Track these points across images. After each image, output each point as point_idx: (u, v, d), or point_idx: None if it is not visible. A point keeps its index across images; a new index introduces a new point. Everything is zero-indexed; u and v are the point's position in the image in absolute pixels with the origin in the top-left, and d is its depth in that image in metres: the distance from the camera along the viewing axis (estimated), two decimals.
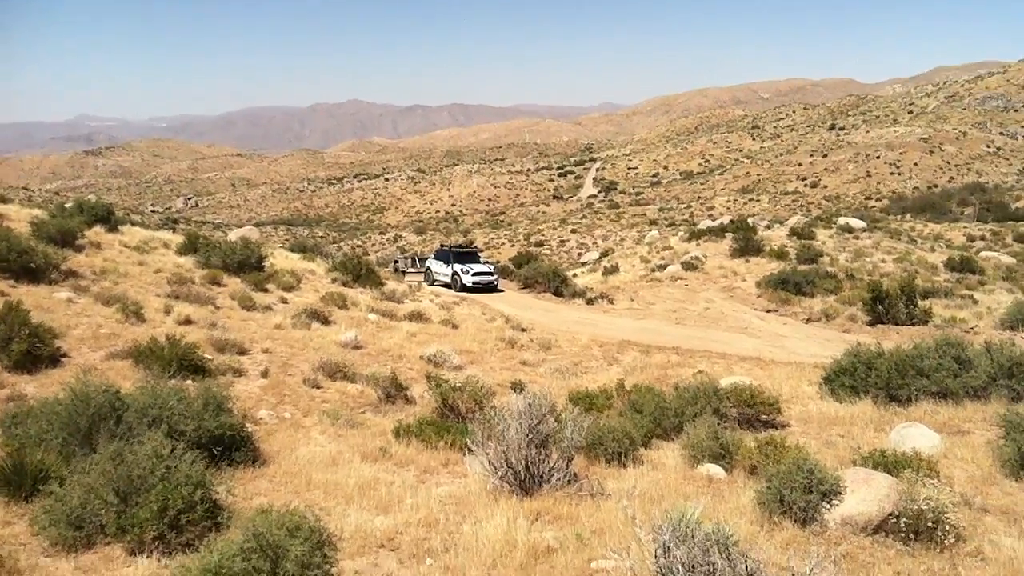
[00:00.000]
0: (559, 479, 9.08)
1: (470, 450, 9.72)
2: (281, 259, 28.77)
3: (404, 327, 21.72)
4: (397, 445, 11.39)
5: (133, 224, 32.36)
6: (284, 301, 21.99)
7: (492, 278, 35.01)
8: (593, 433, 10.62)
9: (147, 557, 6.91)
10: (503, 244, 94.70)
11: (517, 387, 15.79)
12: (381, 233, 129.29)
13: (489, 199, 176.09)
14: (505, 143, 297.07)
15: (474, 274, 34.36)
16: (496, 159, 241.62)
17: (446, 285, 35.01)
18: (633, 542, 6.29)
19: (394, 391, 14.91)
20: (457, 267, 34.83)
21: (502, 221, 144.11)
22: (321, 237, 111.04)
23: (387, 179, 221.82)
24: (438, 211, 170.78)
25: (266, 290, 22.63)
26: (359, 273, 27.81)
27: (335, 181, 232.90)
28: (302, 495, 8.93)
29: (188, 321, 17.26)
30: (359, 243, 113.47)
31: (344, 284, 26.40)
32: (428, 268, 37.51)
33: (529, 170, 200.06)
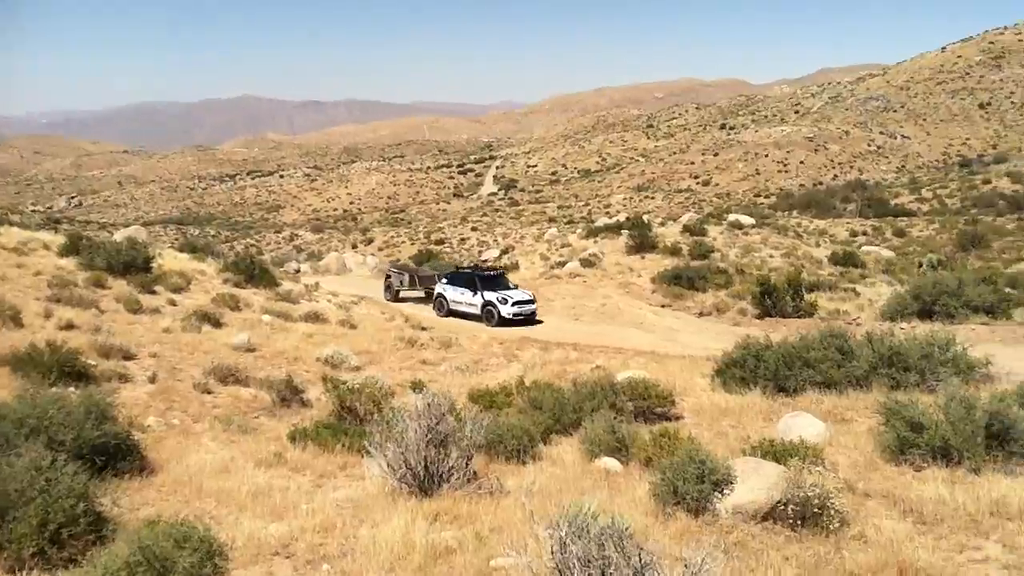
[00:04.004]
0: (459, 478, 9.06)
1: (368, 452, 9.59)
2: (170, 259, 27.78)
3: (300, 328, 21.34)
4: (292, 450, 11.18)
5: (11, 224, 30.84)
6: (173, 303, 21.29)
7: (533, 307, 28.66)
8: (493, 431, 10.65)
9: (26, 574, 6.62)
10: (403, 242, 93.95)
11: (417, 387, 15.67)
12: (276, 232, 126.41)
13: (388, 197, 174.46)
14: (404, 140, 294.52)
15: (514, 303, 27.92)
16: (395, 156, 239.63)
17: (472, 317, 28.78)
18: (531, 539, 6.32)
19: (289, 394, 14.62)
20: (491, 296, 28.32)
21: (402, 219, 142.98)
22: (213, 236, 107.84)
23: (282, 176, 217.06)
24: (336, 209, 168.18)
25: (154, 292, 21.87)
26: (252, 273, 27.11)
27: (227, 178, 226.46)
28: (192, 504, 8.67)
29: (70, 326, 16.56)
30: (253, 242, 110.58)
31: (236, 285, 25.68)
32: (440, 295, 30.44)
33: (429, 168, 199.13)
